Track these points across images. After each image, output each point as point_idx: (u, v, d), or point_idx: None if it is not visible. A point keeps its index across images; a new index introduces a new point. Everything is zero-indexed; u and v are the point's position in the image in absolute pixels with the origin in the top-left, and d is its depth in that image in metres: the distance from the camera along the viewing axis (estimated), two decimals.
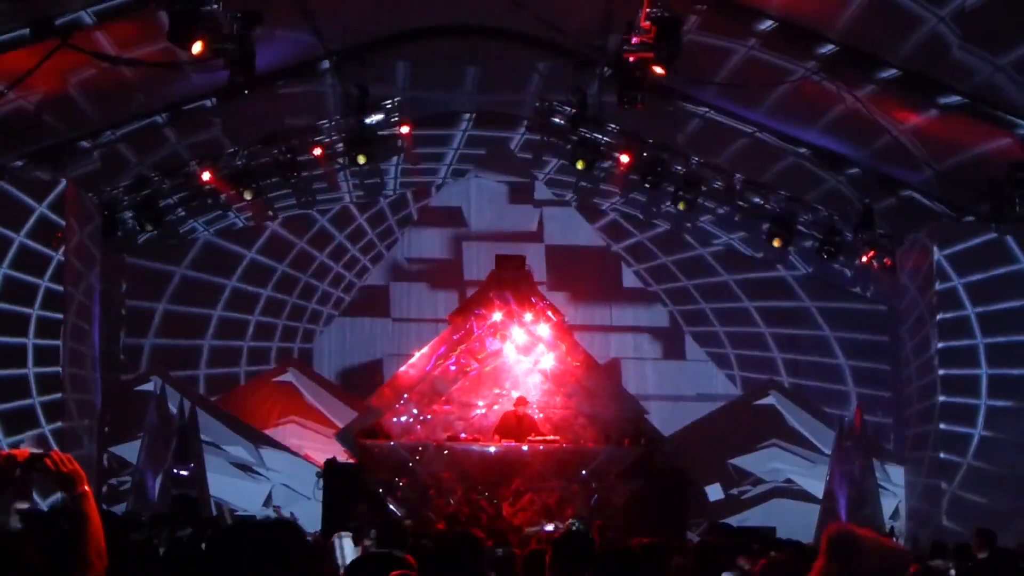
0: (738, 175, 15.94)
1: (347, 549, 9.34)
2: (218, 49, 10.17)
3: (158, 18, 10.75)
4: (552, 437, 16.16)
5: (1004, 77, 11.16)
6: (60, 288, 13.76)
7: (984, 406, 14.11)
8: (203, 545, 7.71)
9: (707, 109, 14.54)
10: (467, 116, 16.85)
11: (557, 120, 15.61)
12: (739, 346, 18.19)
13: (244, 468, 17.11)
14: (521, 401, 16.19)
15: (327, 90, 14.47)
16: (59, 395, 13.66)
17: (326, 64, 13.73)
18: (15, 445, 12.57)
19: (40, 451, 3.67)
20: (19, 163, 13.59)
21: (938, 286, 14.37)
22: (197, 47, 9.86)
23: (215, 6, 9.77)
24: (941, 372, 14.32)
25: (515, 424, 15.87)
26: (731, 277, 18.19)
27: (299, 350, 18.14)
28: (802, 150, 14.69)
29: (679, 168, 15.86)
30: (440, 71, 14.87)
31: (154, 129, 14.20)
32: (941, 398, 14.30)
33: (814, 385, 17.79)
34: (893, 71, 11.78)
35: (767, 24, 11.73)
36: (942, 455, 14.26)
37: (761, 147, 15.02)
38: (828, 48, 11.76)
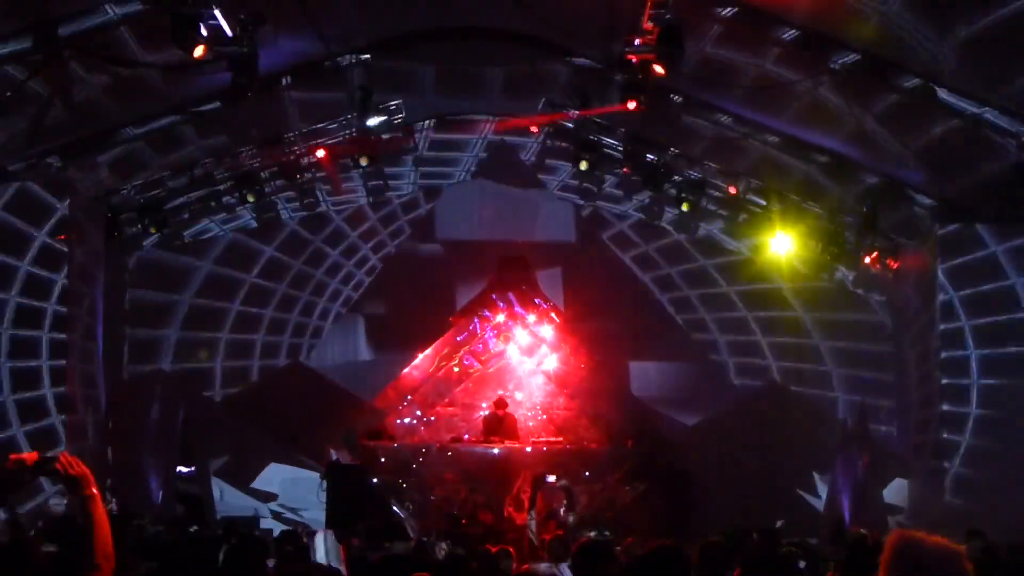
0: (739, 174, 15.91)
1: (322, 547, 9.24)
2: (220, 52, 10.14)
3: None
4: (556, 438, 16.19)
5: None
6: (63, 309, 13.68)
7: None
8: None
9: (683, 98, 14.47)
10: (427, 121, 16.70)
11: (563, 121, 15.59)
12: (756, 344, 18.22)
13: (241, 476, 17.08)
14: (500, 403, 16.26)
15: (333, 92, 14.43)
16: (63, 388, 13.57)
17: (329, 65, 13.71)
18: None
19: (48, 455, 3.69)
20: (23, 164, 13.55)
21: (940, 265, 14.39)
22: (199, 51, 9.84)
23: (217, 8, 9.76)
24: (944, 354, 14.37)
25: (497, 426, 15.97)
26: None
27: (302, 351, 18.10)
28: (771, 138, 14.64)
29: (683, 169, 15.82)
30: (464, 74, 14.85)
31: (165, 131, 14.15)
32: (944, 379, 14.33)
33: (816, 383, 17.76)
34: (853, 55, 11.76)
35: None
36: (945, 435, 14.27)
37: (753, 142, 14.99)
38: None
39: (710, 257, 18.17)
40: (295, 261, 17.79)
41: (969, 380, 14.22)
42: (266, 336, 17.75)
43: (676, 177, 15.85)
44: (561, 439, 16.15)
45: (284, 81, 13.66)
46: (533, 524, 10.37)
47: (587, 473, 15.49)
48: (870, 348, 17.39)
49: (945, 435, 14.25)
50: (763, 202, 15.91)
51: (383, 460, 15.60)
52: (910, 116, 12.41)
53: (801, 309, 17.80)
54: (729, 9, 11.44)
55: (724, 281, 18.14)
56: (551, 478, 13.31)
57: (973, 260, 14.23)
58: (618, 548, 8.93)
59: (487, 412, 16.65)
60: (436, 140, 16.79)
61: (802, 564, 7.18)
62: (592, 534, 12.75)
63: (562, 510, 14.10)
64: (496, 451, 15.49)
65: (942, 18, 10.52)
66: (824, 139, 14.11)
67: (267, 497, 16.99)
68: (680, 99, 14.15)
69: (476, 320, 17.58)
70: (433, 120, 16.15)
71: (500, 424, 15.99)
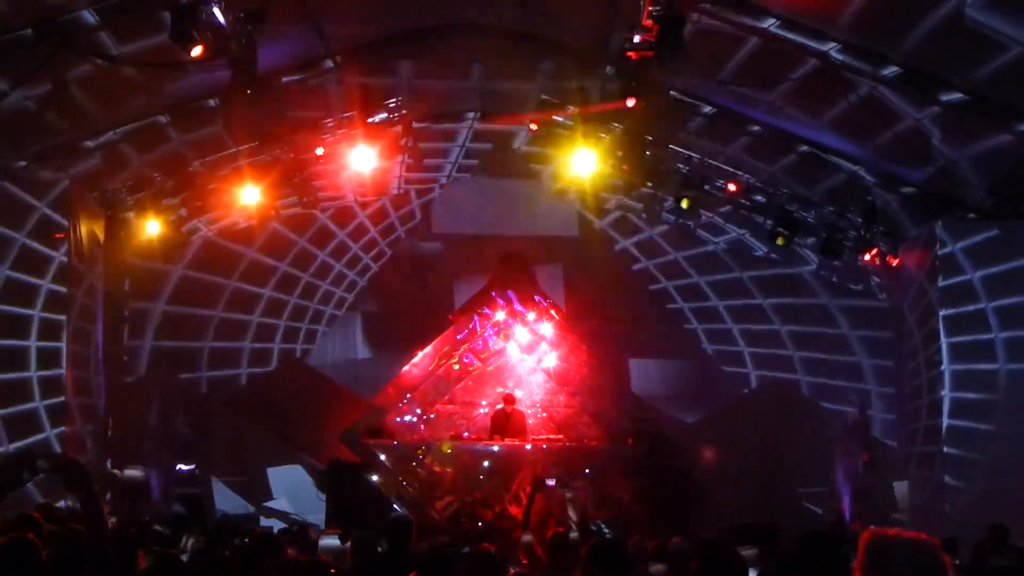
0: (743, 173, 15.87)
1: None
2: (220, 49, 10.12)
3: (161, 16, 10.73)
4: (556, 436, 16.19)
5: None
6: (63, 289, 13.76)
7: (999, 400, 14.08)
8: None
9: (711, 107, 14.44)
10: (471, 115, 16.73)
11: (560, 118, 15.54)
12: (754, 343, 18.20)
13: (240, 475, 17.08)
14: (509, 399, 16.27)
15: (331, 88, 14.41)
16: (62, 398, 13.64)
17: (329, 63, 13.68)
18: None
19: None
20: (22, 163, 13.55)
21: (943, 281, 14.37)
22: (197, 50, 9.81)
23: (216, 6, 9.73)
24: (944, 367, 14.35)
25: (504, 422, 15.97)
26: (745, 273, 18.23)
27: (302, 350, 18.16)
28: (803, 148, 14.63)
29: (682, 167, 15.77)
30: (443, 70, 14.83)
31: (156, 128, 14.14)
32: (947, 393, 14.29)
33: (818, 381, 17.74)
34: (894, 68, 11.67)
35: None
36: (947, 448, 14.24)
37: (762, 143, 14.94)
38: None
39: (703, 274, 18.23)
40: (320, 252, 18.19)
41: (944, 392, 14.32)
42: (287, 322, 18.20)
43: (676, 176, 15.82)
44: (561, 437, 16.14)
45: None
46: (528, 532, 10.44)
47: (587, 471, 15.49)
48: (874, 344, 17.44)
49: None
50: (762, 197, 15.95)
51: (383, 458, 15.61)
52: None
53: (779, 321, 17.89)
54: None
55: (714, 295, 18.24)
56: (551, 482, 13.31)
57: (954, 284, 14.34)
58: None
59: (491, 408, 16.64)
60: (471, 149, 16.96)
61: None
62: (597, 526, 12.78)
63: (568, 509, 14.10)
64: (496, 449, 15.48)
65: None
66: (850, 146, 14.07)
67: (266, 496, 17.00)
68: (712, 110, 14.15)
69: (476, 318, 17.56)
70: (476, 119, 16.25)
71: (508, 420, 15.98)
